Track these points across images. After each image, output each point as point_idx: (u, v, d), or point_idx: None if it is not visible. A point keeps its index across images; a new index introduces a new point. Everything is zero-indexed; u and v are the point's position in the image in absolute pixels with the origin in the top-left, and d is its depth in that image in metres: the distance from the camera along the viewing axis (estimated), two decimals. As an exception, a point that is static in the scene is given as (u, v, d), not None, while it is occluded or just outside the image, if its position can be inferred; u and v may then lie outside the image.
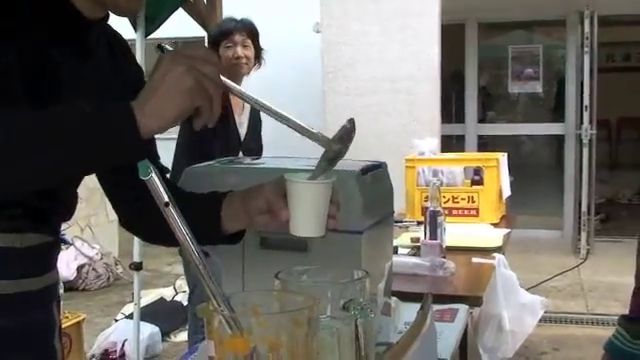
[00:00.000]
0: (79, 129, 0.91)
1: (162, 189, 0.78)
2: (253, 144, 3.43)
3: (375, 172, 1.45)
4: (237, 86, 1.14)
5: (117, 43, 1.37)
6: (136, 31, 3.44)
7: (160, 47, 1.04)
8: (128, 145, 0.90)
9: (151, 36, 3.69)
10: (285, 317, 0.85)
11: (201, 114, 0.99)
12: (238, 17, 3.44)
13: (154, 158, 1.40)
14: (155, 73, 0.97)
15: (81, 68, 1.19)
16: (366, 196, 1.34)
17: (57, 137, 0.90)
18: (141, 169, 0.76)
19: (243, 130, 3.44)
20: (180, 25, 5.71)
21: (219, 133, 3.28)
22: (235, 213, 1.23)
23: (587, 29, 6.53)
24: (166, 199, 0.77)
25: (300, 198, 1.13)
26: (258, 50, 3.42)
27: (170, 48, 1.06)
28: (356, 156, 1.52)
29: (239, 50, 3.31)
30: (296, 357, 0.80)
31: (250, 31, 3.36)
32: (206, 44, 5.81)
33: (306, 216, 1.13)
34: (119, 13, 1.20)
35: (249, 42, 3.34)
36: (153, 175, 0.76)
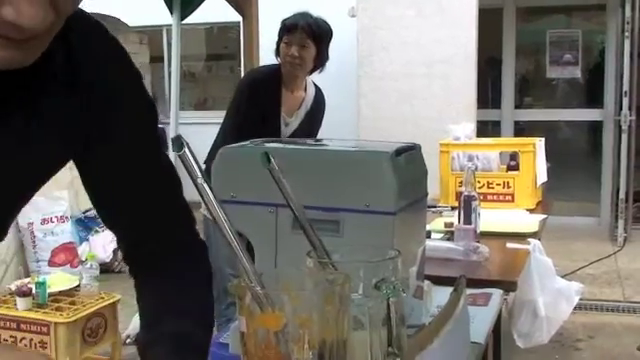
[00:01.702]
0: None
1: (195, 164, 0.78)
2: None
3: (409, 153, 1.45)
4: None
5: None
6: (172, 14, 3.46)
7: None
8: None
9: (187, 20, 3.71)
10: (317, 294, 0.85)
11: None
12: (307, 11, 3.32)
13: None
14: None
15: None
16: (400, 177, 1.34)
17: None
18: (174, 144, 0.76)
19: (289, 130, 3.36)
20: (216, 10, 5.73)
21: (267, 124, 3.24)
22: None
23: (628, 14, 6.42)
24: (199, 174, 0.78)
25: None
26: (321, 54, 3.27)
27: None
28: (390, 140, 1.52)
29: (294, 49, 3.20)
30: (327, 334, 0.81)
31: (313, 32, 3.21)
32: (241, 30, 5.82)
33: None
34: None
35: (309, 43, 3.20)
36: (186, 150, 0.77)
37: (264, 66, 3.80)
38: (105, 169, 1.06)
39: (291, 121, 3.36)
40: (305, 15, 3.26)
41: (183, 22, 3.68)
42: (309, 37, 3.20)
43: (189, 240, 1.16)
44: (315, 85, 3.49)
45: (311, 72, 3.35)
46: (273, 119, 3.29)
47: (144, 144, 1.09)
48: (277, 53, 3.30)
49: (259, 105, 3.23)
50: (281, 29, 3.29)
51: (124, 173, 1.07)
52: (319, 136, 3.49)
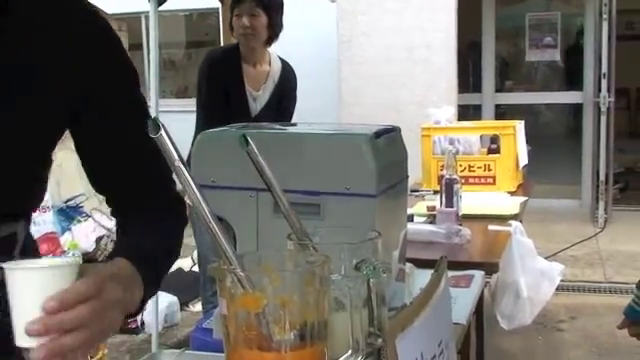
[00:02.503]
0: None
1: (172, 148, 0.78)
2: (268, 120, 3.33)
3: (388, 136, 1.45)
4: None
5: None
6: (149, 1, 3.43)
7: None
8: None
9: (166, 7, 3.67)
10: (297, 275, 0.85)
11: None
12: None
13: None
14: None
15: None
16: (379, 159, 1.34)
17: None
18: (151, 127, 0.76)
19: (258, 104, 3.35)
20: (194, -4, 5.68)
21: (233, 101, 3.26)
22: None
23: (606, -4, 6.45)
24: (176, 157, 0.78)
25: (14, 292, 0.85)
26: (273, 22, 3.26)
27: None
28: (370, 125, 1.52)
29: (245, 20, 3.20)
30: (308, 315, 0.81)
31: (261, 0, 3.21)
32: (220, 16, 5.79)
33: (18, 317, 0.84)
34: None
35: (259, 12, 3.21)
36: (163, 133, 0.76)
37: (222, 46, 3.76)
38: (96, 132, 1.15)
39: (259, 95, 3.35)
40: None
41: (162, 9, 3.64)
42: (258, 6, 3.21)
43: (167, 192, 1.25)
44: (282, 60, 3.48)
45: (268, 43, 3.34)
46: (239, 95, 3.29)
47: (130, 105, 1.19)
48: (231, 29, 3.31)
49: (220, 83, 3.24)
50: (231, 4, 3.31)
51: (113, 134, 1.15)
52: (298, 119, 3.48)
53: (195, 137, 3.25)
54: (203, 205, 0.82)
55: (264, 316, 0.79)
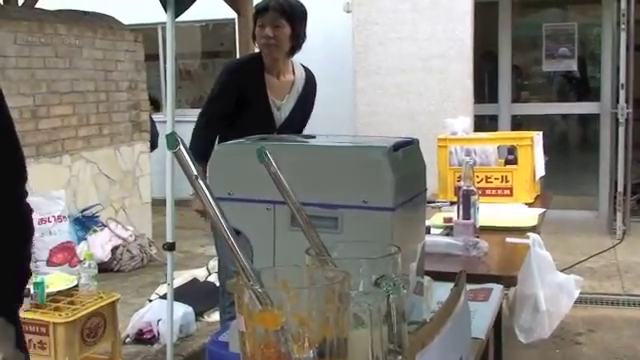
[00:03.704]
0: None
1: (190, 162, 0.76)
2: (290, 130, 3.27)
3: (407, 148, 1.43)
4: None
5: None
6: (166, 11, 3.43)
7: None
8: None
9: (182, 18, 3.68)
10: (315, 291, 0.84)
11: None
12: None
13: None
14: None
15: None
16: (397, 172, 1.32)
17: None
18: (169, 141, 0.75)
19: (282, 114, 3.32)
20: (211, 7, 5.70)
21: (256, 110, 3.24)
22: None
23: (623, 6, 6.40)
24: (195, 172, 0.76)
25: None
26: (296, 32, 3.22)
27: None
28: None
29: (267, 30, 3.17)
30: (327, 332, 0.79)
31: (284, 11, 3.16)
32: (236, 27, 5.79)
33: None
34: None
35: (282, 22, 3.16)
36: (181, 147, 0.75)
37: (242, 57, 3.71)
38: None
39: (282, 104, 3.31)
40: None
41: (178, 20, 3.64)
42: (282, 16, 3.17)
43: None
44: (304, 67, 3.45)
45: (291, 53, 3.31)
46: (263, 106, 3.25)
47: None
48: (254, 39, 3.29)
49: (236, 91, 3.22)
50: (254, 14, 3.27)
51: None
52: (312, 126, 3.45)
53: (193, 136, 3.22)
54: (220, 218, 0.81)
55: (283, 333, 0.78)
